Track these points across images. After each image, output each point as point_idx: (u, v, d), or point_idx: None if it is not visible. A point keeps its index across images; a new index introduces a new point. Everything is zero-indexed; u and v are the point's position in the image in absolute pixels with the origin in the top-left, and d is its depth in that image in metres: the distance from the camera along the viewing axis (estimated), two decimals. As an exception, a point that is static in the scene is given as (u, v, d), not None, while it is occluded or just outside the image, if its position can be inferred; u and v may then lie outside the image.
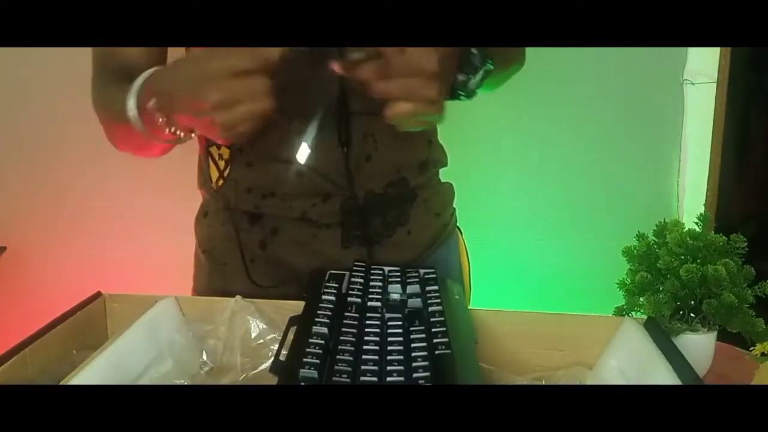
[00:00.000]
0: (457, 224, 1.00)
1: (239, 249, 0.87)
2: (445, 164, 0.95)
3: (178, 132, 0.72)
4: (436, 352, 0.58)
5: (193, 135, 0.74)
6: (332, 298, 0.69)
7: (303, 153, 0.76)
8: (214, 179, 0.87)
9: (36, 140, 1.54)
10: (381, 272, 0.77)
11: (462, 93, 0.74)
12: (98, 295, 0.79)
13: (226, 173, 0.86)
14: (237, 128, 0.65)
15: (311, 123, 0.80)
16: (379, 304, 0.69)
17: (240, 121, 0.65)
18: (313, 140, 0.79)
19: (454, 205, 0.99)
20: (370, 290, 0.72)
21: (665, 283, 0.73)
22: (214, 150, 0.87)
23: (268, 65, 0.64)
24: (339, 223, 0.84)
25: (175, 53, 0.84)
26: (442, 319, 0.65)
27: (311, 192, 0.83)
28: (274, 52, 0.64)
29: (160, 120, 0.70)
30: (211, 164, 0.88)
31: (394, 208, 0.87)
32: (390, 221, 0.87)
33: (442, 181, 0.96)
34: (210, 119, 0.65)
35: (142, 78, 0.72)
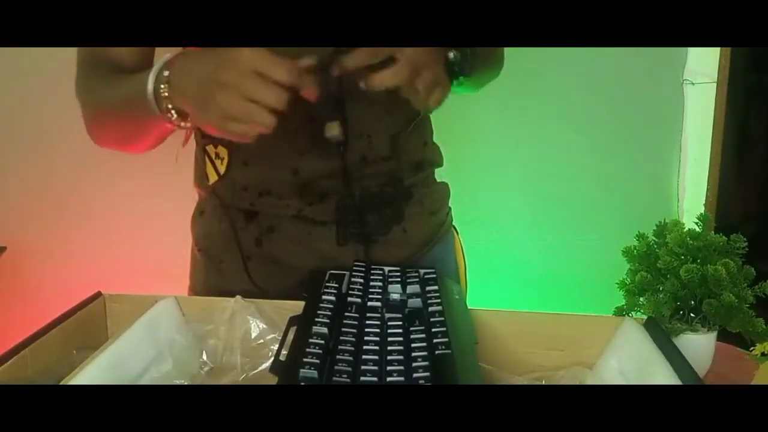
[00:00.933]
0: (453, 224, 1.00)
1: (236, 247, 0.87)
2: (440, 164, 0.96)
3: (172, 113, 0.71)
4: (436, 352, 0.58)
5: (182, 123, 0.73)
6: (332, 298, 0.69)
7: (331, 129, 0.76)
8: (210, 177, 0.88)
9: (36, 140, 1.54)
10: (381, 272, 0.77)
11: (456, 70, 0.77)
12: (98, 295, 0.79)
13: (222, 172, 0.86)
14: (231, 126, 0.66)
15: (309, 123, 0.80)
16: (379, 304, 0.69)
17: (240, 120, 0.65)
18: (318, 134, 0.79)
19: (450, 205, 0.99)
20: (370, 290, 0.72)
21: (665, 283, 0.73)
22: (210, 148, 0.87)
23: (295, 82, 0.66)
24: (335, 221, 0.85)
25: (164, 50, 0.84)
26: (442, 319, 0.65)
27: (307, 191, 0.83)
28: (303, 72, 0.67)
29: (170, 109, 0.70)
30: (208, 162, 0.88)
31: (389, 206, 0.87)
32: (385, 219, 0.87)
33: (438, 180, 0.97)
34: (227, 115, 0.65)
35: (162, 61, 0.72)
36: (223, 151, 0.85)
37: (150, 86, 0.70)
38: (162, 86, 0.69)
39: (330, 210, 0.84)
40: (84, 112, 0.82)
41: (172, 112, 0.70)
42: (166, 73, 0.69)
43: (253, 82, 0.64)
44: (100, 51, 0.81)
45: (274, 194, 0.84)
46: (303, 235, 0.85)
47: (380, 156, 0.84)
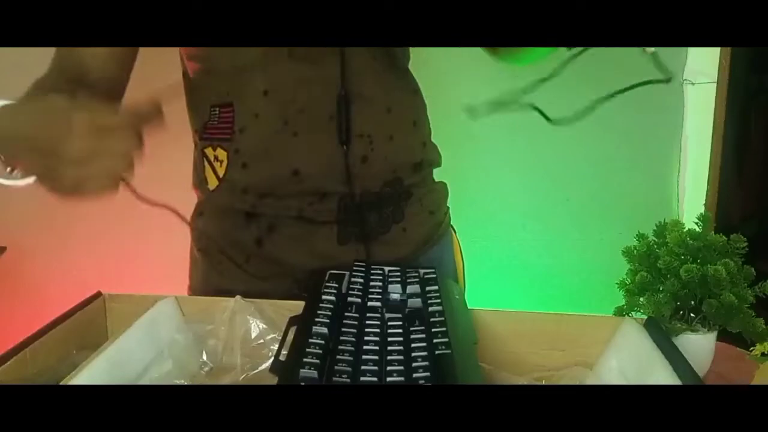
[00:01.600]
0: (452, 223, 1.00)
1: (236, 247, 0.87)
2: (439, 164, 0.96)
3: (15, 173, 0.64)
4: (436, 352, 0.58)
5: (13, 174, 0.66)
6: (332, 298, 0.69)
7: None
8: (210, 181, 0.87)
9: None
10: (381, 272, 0.77)
11: None
12: (98, 295, 0.79)
13: (222, 174, 0.86)
14: (87, 185, 0.60)
15: (309, 123, 0.80)
16: (379, 304, 0.69)
17: (95, 178, 0.59)
18: (311, 140, 0.79)
19: (448, 204, 0.99)
20: (370, 290, 0.72)
21: (665, 283, 0.73)
22: (209, 151, 0.87)
23: (136, 120, 0.60)
24: (335, 220, 0.85)
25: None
26: (442, 319, 0.65)
27: (308, 192, 0.83)
28: (143, 107, 0.60)
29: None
30: (206, 165, 0.87)
31: (389, 205, 0.88)
32: (385, 218, 0.87)
33: (437, 180, 0.97)
34: (58, 171, 0.58)
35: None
36: (222, 154, 0.85)
37: None
38: None
39: (330, 210, 0.84)
40: None
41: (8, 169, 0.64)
42: None
43: (94, 142, 0.58)
44: (66, 57, 0.78)
45: (275, 195, 0.84)
46: (303, 235, 0.85)
47: (380, 156, 0.84)
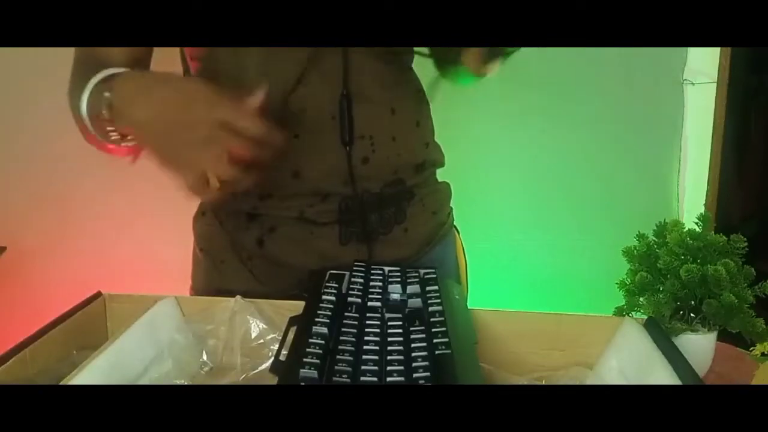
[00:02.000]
0: (454, 224, 1.00)
1: (237, 247, 0.87)
2: (442, 164, 0.95)
3: (111, 135, 0.68)
4: (436, 352, 0.58)
5: (122, 145, 0.70)
6: (332, 298, 0.69)
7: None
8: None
9: (36, 140, 1.54)
10: (381, 272, 0.77)
11: None
12: (98, 295, 0.79)
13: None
14: (196, 169, 0.63)
15: (310, 124, 0.80)
16: (379, 304, 0.69)
17: (209, 162, 0.63)
18: (312, 141, 0.78)
19: (452, 205, 0.99)
20: (370, 290, 0.72)
21: (665, 283, 0.73)
22: None
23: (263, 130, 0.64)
24: (337, 221, 0.84)
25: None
26: (442, 319, 0.65)
27: (309, 193, 0.83)
28: (255, 101, 0.64)
29: (111, 133, 0.67)
30: None
31: (391, 206, 0.87)
32: (387, 218, 0.87)
33: (440, 180, 0.97)
34: (177, 149, 0.62)
35: (99, 77, 0.69)
36: None
37: (84, 106, 0.68)
38: (103, 109, 0.66)
39: (332, 211, 0.84)
40: None
41: (113, 134, 0.68)
42: (107, 95, 0.66)
43: (226, 136, 0.62)
44: (89, 50, 0.79)
45: (276, 197, 0.84)
46: (305, 235, 0.85)
47: (382, 157, 0.84)
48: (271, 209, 0.85)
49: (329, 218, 0.84)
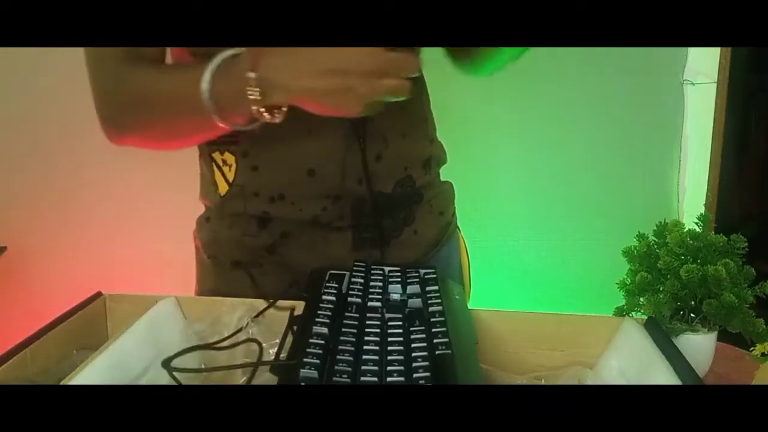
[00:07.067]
0: (457, 223, 1.00)
1: (246, 253, 0.85)
2: (445, 161, 0.95)
3: (262, 112, 0.69)
4: (437, 352, 0.58)
5: (275, 117, 0.71)
6: (332, 298, 0.69)
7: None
8: (220, 187, 0.85)
9: (37, 140, 1.54)
10: (381, 272, 0.77)
11: None
12: (98, 295, 0.79)
13: (231, 179, 0.84)
14: (378, 100, 0.67)
15: (322, 120, 0.79)
16: (379, 304, 0.69)
17: (385, 92, 0.67)
18: (328, 138, 0.77)
19: (455, 205, 0.99)
20: (371, 290, 0.72)
21: (665, 284, 0.73)
22: (217, 155, 0.84)
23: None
24: (350, 226, 0.84)
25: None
26: (443, 319, 0.65)
27: (322, 194, 0.82)
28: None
29: (253, 94, 0.67)
30: (216, 171, 0.85)
31: (402, 209, 0.87)
32: (398, 221, 0.87)
33: (442, 180, 0.96)
34: (352, 86, 0.66)
35: (219, 59, 0.69)
36: (230, 158, 0.83)
37: (206, 85, 0.68)
38: (250, 90, 0.67)
39: (345, 214, 0.83)
40: (111, 106, 0.77)
41: (261, 111, 0.69)
42: (251, 75, 0.67)
43: (387, 57, 0.67)
44: (136, 49, 0.76)
45: (288, 198, 0.82)
46: (318, 241, 0.84)
47: (393, 153, 0.84)
48: (283, 212, 0.83)
49: (342, 223, 0.83)
